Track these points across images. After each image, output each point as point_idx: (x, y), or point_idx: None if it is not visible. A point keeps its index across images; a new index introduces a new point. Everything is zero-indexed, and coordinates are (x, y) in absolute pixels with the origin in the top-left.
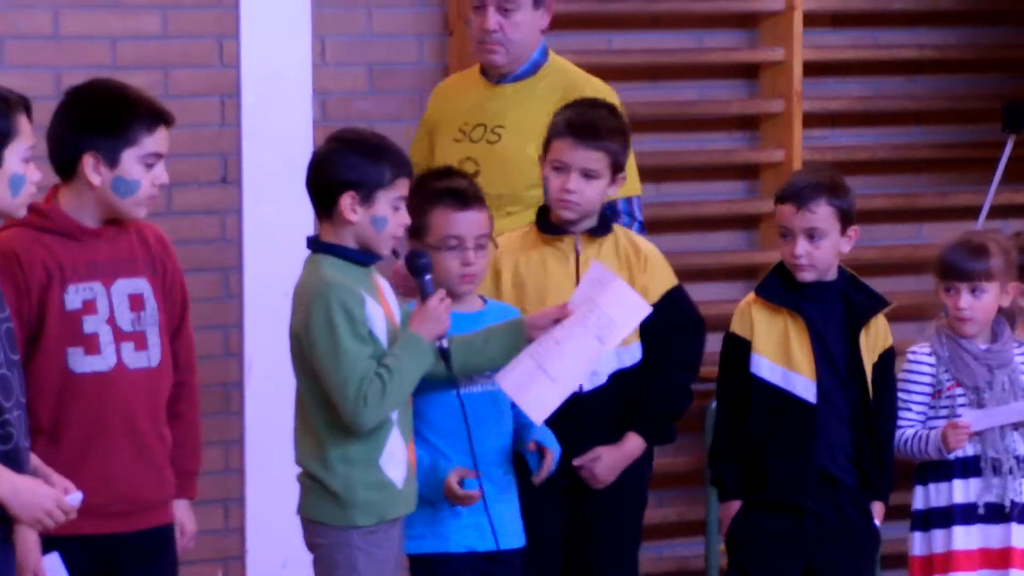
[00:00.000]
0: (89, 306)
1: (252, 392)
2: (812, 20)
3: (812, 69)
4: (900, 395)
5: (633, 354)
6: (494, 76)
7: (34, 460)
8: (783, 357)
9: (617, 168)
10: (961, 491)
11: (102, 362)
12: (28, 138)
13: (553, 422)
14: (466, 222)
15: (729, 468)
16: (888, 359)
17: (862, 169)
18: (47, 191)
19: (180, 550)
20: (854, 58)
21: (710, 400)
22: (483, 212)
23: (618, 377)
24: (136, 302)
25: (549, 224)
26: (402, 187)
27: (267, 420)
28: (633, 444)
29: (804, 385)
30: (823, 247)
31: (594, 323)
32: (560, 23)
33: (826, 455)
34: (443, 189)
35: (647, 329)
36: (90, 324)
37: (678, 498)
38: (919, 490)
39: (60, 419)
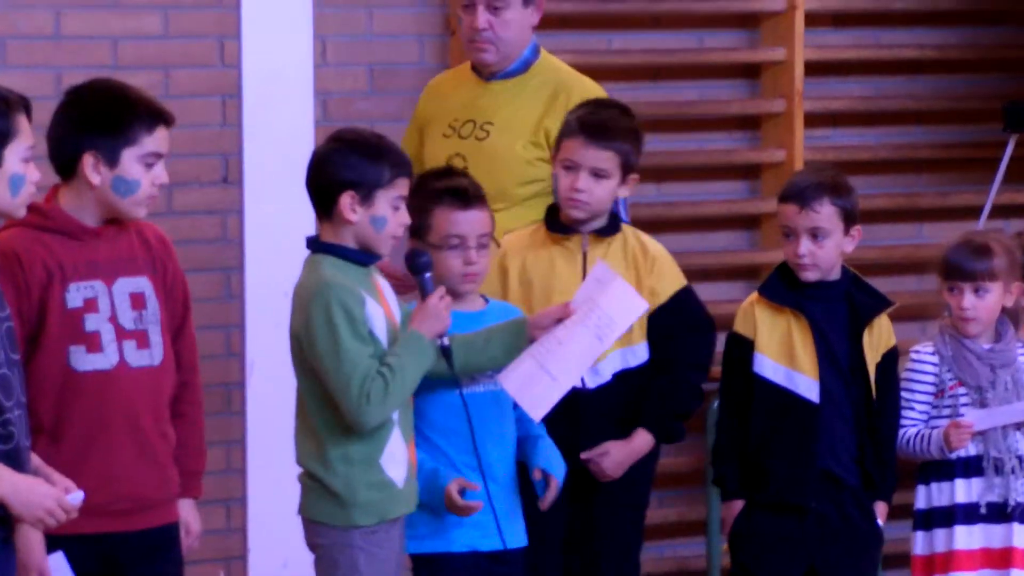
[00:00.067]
0: (90, 304)
1: (253, 392)
2: (813, 20)
3: (813, 69)
4: (903, 395)
5: (638, 354)
6: (485, 73)
7: (35, 460)
8: (786, 357)
9: (628, 168)
10: (963, 491)
11: (104, 360)
12: (28, 138)
13: (554, 420)
14: (468, 221)
15: (731, 468)
16: (891, 359)
17: (863, 169)
18: (47, 191)
19: (185, 550)
20: (855, 58)
21: (712, 400)
22: (485, 211)
23: (622, 377)
24: (137, 301)
25: (558, 223)
26: (402, 187)
27: (269, 420)
28: (642, 440)
29: (807, 385)
30: (826, 247)
31: (594, 322)
32: (560, 23)
33: (829, 455)
34: (445, 188)
35: (656, 329)
36: (92, 322)
37: (679, 498)
38: (921, 489)
39: (61, 417)
